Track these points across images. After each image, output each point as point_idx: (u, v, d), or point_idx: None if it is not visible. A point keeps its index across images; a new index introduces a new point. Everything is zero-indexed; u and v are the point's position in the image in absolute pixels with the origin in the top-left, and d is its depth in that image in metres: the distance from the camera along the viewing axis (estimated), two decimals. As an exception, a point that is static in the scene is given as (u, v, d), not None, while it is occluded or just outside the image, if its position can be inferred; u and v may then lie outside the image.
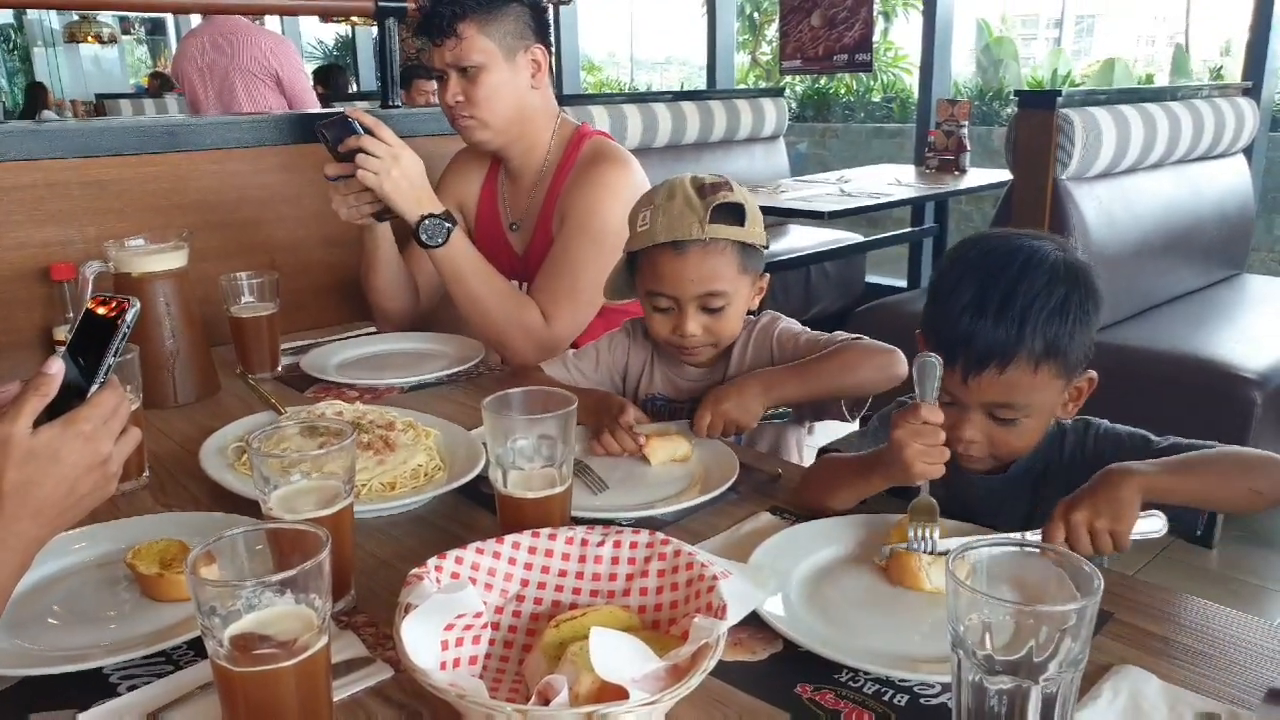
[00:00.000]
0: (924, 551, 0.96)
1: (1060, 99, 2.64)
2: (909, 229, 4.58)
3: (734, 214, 1.34)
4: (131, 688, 0.82)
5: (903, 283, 4.65)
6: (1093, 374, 1.11)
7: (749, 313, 1.45)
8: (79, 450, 0.79)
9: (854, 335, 1.38)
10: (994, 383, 1.03)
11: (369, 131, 1.58)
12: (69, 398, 0.81)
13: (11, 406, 0.78)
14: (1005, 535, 0.95)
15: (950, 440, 1.06)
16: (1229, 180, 3.29)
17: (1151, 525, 0.95)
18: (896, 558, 0.97)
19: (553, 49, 1.79)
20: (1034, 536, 0.95)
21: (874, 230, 4.68)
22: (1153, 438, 1.10)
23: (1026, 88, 8.34)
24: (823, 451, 1.21)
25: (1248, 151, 3.41)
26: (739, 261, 1.36)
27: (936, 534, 0.97)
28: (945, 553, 0.95)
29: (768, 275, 1.45)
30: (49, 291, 1.69)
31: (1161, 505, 0.97)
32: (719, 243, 1.33)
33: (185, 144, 1.88)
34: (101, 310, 0.86)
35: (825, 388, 1.35)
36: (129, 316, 0.85)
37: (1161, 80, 9.54)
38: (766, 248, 1.41)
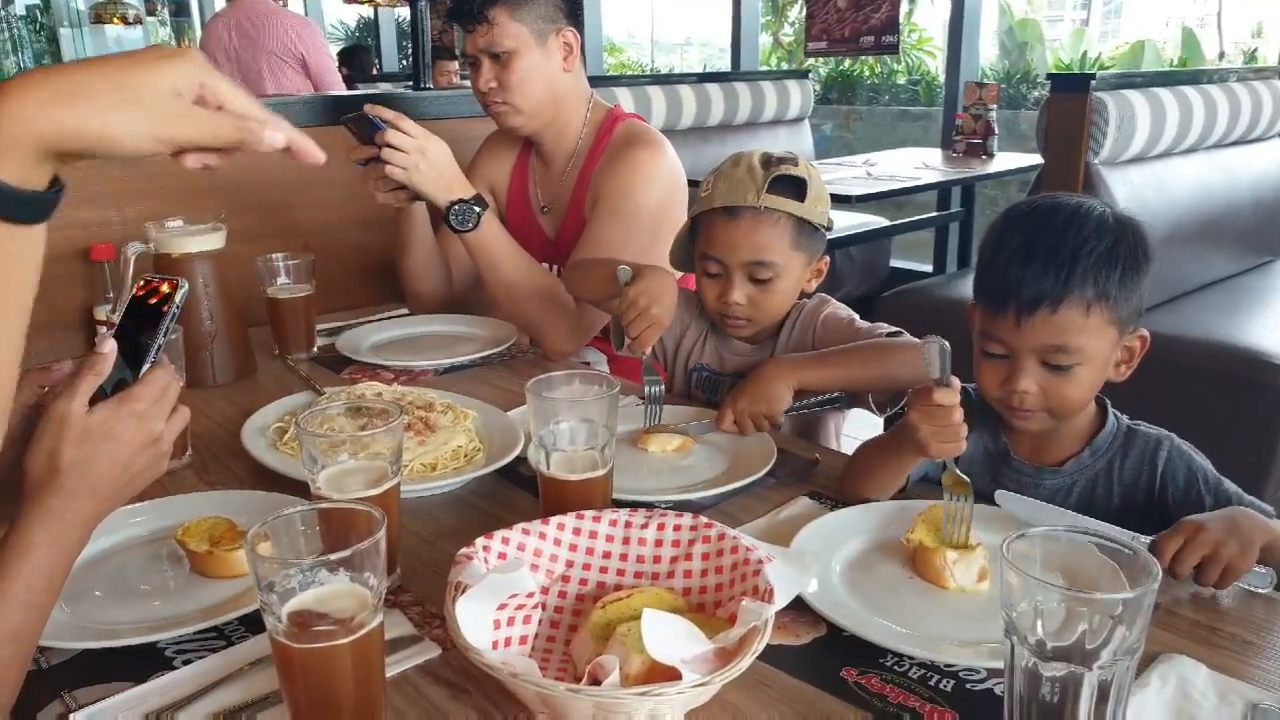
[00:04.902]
0: (952, 539, 0.97)
1: (1094, 82, 2.60)
2: (935, 213, 4.54)
3: (794, 188, 1.35)
4: (186, 662, 0.84)
5: (928, 267, 4.62)
6: (1144, 333, 1.11)
7: (804, 295, 1.44)
8: (133, 428, 0.80)
9: (895, 329, 1.37)
10: (1047, 323, 1.04)
11: (391, 125, 1.57)
12: (120, 378, 0.82)
13: (67, 386, 0.79)
14: (1109, 528, 0.94)
15: (1005, 393, 1.07)
16: (1264, 164, 3.24)
17: (1259, 580, 0.93)
18: (922, 552, 0.97)
19: (583, 31, 1.78)
20: (1144, 539, 0.94)
21: (900, 214, 4.64)
22: (1224, 480, 1.09)
23: (1052, 70, 8.22)
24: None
25: (1284, 136, 3.35)
26: (793, 237, 1.36)
27: (970, 502, 0.98)
28: (972, 547, 0.95)
29: (827, 259, 1.45)
30: (89, 272, 1.71)
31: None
32: (773, 214, 1.34)
33: (220, 125, 1.88)
34: (150, 290, 0.87)
35: (851, 377, 1.33)
36: (179, 297, 0.86)
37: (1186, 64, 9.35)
38: (829, 229, 1.41)
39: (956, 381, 1.01)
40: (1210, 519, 0.93)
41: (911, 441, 1.03)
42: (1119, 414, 1.15)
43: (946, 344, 1.00)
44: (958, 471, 1.00)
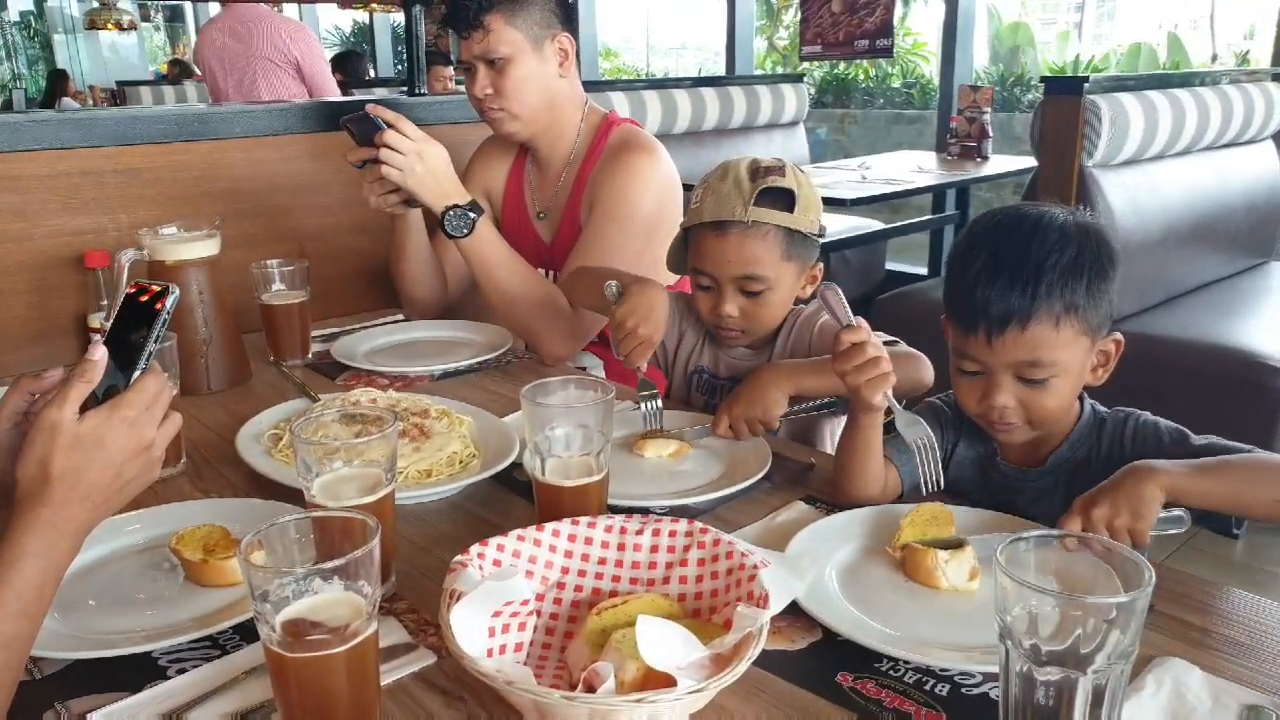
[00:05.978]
0: (931, 484, 1.05)
1: (1087, 85, 2.61)
2: (930, 216, 4.55)
3: (782, 199, 1.34)
4: (180, 671, 0.83)
5: (923, 270, 4.62)
6: (1119, 336, 1.11)
7: (800, 301, 1.44)
8: (124, 435, 0.80)
9: (892, 338, 1.37)
10: (1018, 341, 1.04)
11: (392, 126, 1.57)
12: (111, 384, 0.82)
13: (57, 393, 0.79)
14: (1034, 527, 0.94)
15: (984, 409, 1.07)
16: (1257, 167, 3.25)
17: (1173, 523, 0.94)
18: (911, 553, 0.96)
19: (579, 36, 1.78)
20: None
21: (895, 217, 4.65)
22: (1191, 435, 1.09)
23: (1045, 74, 8.25)
24: None
25: (1277, 137, 3.37)
26: (783, 248, 1.35)
27: (930, 433, 1.06)
28: (961, 545, 0.95)
29: (820, 265, 1.44)
30: (83, 279, 1.70)
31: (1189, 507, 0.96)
32: (762, 227, 1.33)
33: (216, 132, 1.88)
34: (141, 297, 0.87)
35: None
36: (169, 303, 0.86)
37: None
38: (822, 236, 1.40)
39: (861, 320, 1.06)
40: (1098, 492, 0.94)
41: (852, 399, 1.07)
42: (1096, 405, 1.15)
43: (835, 286, 1.09)
44: (897, 406, 1.05)
